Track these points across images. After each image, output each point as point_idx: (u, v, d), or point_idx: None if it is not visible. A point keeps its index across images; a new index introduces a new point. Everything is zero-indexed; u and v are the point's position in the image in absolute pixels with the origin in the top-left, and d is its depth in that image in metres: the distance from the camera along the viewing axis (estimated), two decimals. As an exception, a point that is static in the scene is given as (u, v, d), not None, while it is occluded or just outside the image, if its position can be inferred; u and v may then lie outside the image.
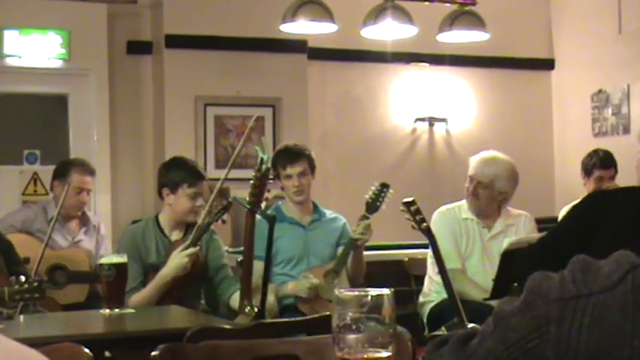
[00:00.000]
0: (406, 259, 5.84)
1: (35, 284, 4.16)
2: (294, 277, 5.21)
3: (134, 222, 5.57)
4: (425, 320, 5.30)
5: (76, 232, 5.98)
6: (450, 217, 5.34)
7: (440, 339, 1.36)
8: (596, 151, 6.75)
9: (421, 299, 5.39)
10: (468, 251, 5.31)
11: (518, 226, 5.40)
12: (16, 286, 4.12)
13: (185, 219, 5.05)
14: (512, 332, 1.21)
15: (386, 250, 6.48)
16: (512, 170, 5.37)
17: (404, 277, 5.57)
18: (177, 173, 5.04)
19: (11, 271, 4.64)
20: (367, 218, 5.12)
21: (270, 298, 4.92)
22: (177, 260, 4.75)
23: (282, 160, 5.26)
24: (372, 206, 5.13)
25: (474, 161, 5.38)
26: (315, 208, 5.41)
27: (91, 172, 6.03)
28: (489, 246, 5.31)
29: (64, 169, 5.98)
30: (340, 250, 5.27)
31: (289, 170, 5.22)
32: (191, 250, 4.76)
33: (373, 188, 5.17)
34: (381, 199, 5.13)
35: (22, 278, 4.15)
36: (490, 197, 5.34)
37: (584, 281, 1.18)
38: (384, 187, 5.14)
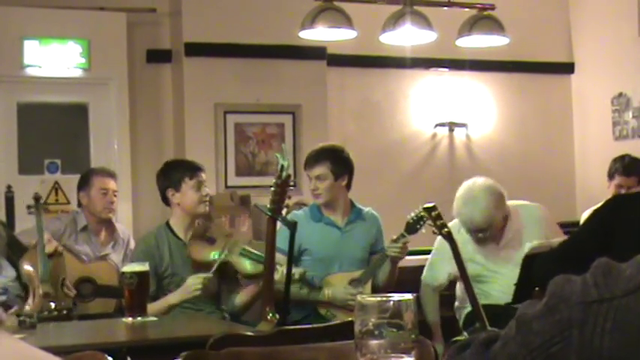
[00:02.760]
0: None
1: (64, 312, 4.20)
2: (319, 279, 5.22)
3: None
4: (461, 325, 5.29)
5: (104, 245, 5.99)
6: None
7: (462, 343, 1.36)
8: (622, 157, 6.59)
9: (456, 304, 5.39)
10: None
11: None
12: (46, 312, 4.15)
13: (196, 211, 5.13)
14: (535, 336, 1.21)
15: (420, 256, 6.44)
16: (497, 199, 5.18)
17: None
18: (175, 171, 5.19)
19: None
20: (404, 237, 5.10)
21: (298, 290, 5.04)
22: (191, 281, 4.79)
23: (305, 163, 5.38)
24: (412, 228, 5.09)
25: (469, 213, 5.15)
26: (352, 207, 5.42)
27: (112, 174, 6.11)
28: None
29: (85, 177, 6.06)
30: (372, 259, 5.29)
31: (309, 173, 5.32)
32: (206, 275, 4.79)
33: (417, 211, 5.10)
34: (422, 223, 5.06)
35: (52, 305, 4.19)
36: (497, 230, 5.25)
37: (605, 285, 1.18)
38: (429, 210, 4.89)
